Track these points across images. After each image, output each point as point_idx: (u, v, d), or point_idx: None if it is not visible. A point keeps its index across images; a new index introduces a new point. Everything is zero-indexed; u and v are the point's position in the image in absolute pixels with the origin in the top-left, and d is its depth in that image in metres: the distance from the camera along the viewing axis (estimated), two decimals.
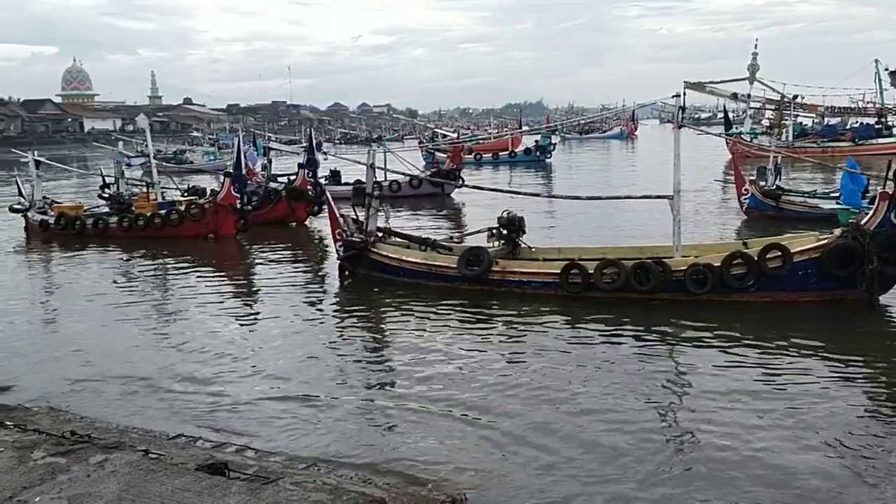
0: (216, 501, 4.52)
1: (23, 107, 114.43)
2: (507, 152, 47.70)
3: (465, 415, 7.51)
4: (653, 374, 8.51)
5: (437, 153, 40.41)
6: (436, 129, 76.95)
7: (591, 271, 11.52)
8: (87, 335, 11.16)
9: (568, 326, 10.52)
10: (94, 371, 9.28)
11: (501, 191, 16.93)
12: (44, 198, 23.08)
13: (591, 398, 7.81)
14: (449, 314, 11.51)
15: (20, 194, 23.03)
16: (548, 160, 47.08)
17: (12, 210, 22.94)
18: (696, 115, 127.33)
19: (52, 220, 21.25)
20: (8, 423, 6.53)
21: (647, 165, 43.17)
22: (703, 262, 11.21)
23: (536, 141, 48.63)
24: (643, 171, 38.62)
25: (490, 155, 47.38)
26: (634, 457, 6.37)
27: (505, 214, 13.45)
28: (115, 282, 15.23)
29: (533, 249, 13.40)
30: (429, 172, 29.83)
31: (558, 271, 11.82)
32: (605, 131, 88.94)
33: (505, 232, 13.39)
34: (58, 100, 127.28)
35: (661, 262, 11.36)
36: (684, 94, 12.15)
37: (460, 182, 25.05)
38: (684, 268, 11.20)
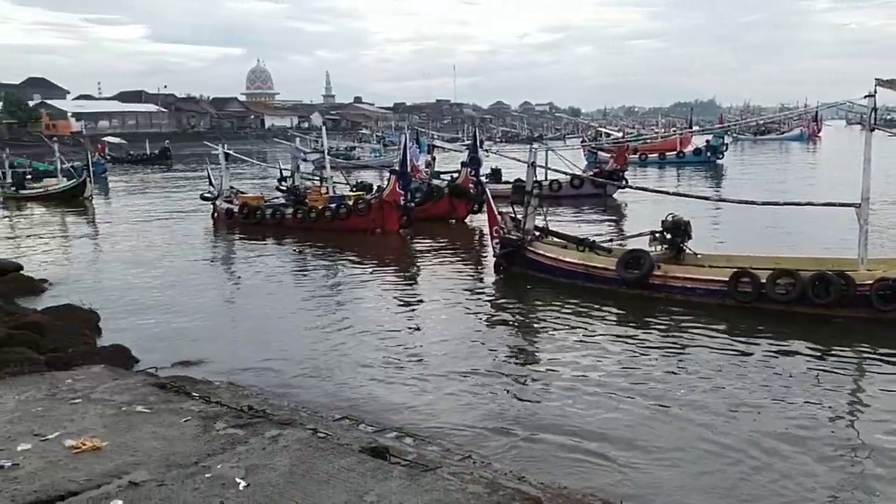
0: (379, 484, 4.74)
1: (212, 104, 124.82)
2: (675, 153, 45.95)
3: (620, 419, 7.37)
4: (829, 398, 7.89)
5: (600, 153, 39.68)
6: (599, 128, 75.53)
7: (764, 280, 10.90)
8: (263, 317, 12.02)
9: (734, 338, 9.99)
10: (268, 351, 9.97)
11: (667, 193, 16.29)
12: (231, 188, 24.94)
13: (756, 416, 7.38)
14: (605, 316, 11.33)
15: (210, 184, 25.06)
16: (719, 161, 44.90)
17: (203, 198, 25.04)
18: (889, 116, 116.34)
19: (235, 209, 22.97)
20: (195, 394, 7.15)
21: (830, 169, 40.07)
22: (893, 277, 10.28)
23: (707, 141, 46.44)
24: (825, 176, 35.87)
25: (656, 155, 45.86)
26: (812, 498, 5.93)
27: (670, 217, 13.00)
28: (288, 269, 16.28)
29: (699, 255, 12.85)
30: (591, 172, 29.37)
31: (726, 279, 11.28)
32: (783, 132, 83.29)
33: (669, 236, 12.94)
34: (242, 98, 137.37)
35: (843, 274, 10.54)
36: (875, 92, 11.11)
37: (624, 183, 24.46)
38: (870, 282, 10.33)
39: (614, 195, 27.41)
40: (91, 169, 32.60)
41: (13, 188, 35.18)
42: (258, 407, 6.84)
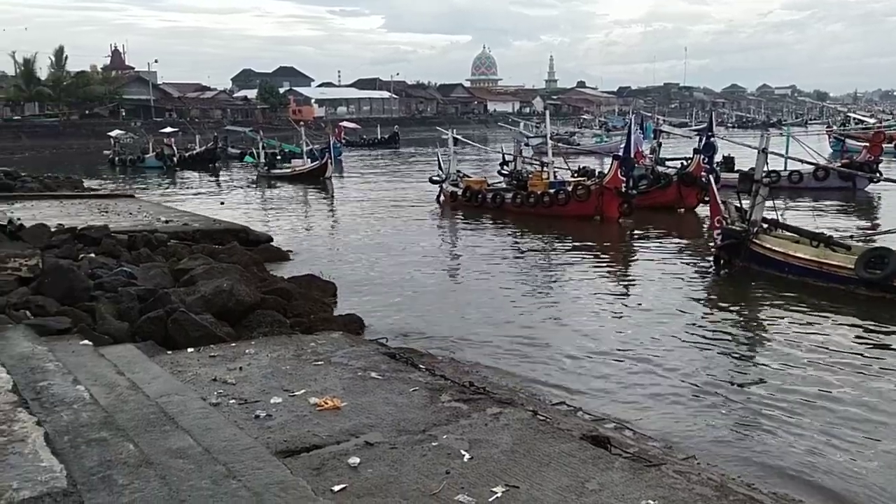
0: (600, 473, 4.70)
1: (438, 91, 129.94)
2: None
3: (850, 437, 6.66)
4: None
5: (849, 141, 35.93)
6: (849, 114, 68.34)
7: None
8: (479, 296, 12.40)
9: None
10: (484, 329, 10.28)
11: None
12: (458, 172, 25.80)
13: None
14: (837, 321, 10.30)
15: (439, 168, 26.11)
16: None
17: (432, 181, 26.17)
18: None
19: (460, 193, 23.78)
20: (421, 366, 7.55)
21: None
22: None
23: None
24: None
25: None
26: None
27: None
28: (505, 252, 16.60)
29: None
30: (838, 163, 26.70)
31: None
32: None
33: None
34: (467, 84, 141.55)
35: None
36: None
37: (877, 176, 21.99)
38: None
39: (866, 189, 24.73)
40: (331, 151, 35.31)
41: (265, 168, 39.15)
42: (479, 384, 7.08)
